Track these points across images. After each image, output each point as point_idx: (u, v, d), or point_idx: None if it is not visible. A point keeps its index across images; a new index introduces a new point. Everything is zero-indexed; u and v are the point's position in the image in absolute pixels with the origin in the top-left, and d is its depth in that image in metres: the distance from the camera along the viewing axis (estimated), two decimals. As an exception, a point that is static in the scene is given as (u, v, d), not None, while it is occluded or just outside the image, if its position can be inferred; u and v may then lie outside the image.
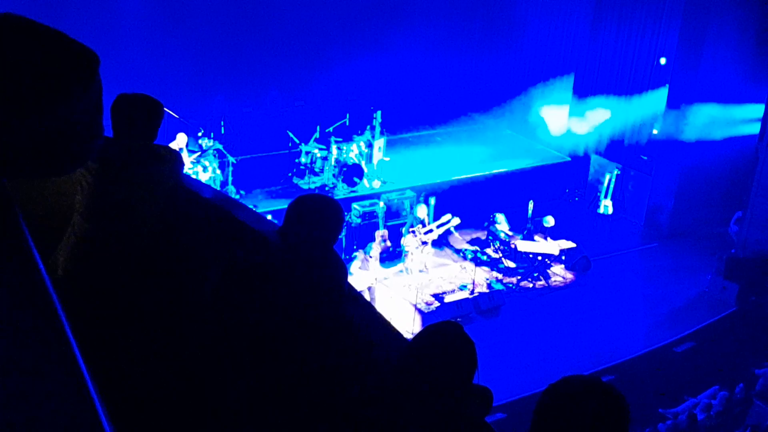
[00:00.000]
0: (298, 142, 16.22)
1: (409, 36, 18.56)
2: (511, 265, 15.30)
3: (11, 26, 1.38)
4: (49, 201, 3.90)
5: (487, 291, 14.48)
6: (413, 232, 14.72)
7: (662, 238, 17.29)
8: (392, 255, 14.88)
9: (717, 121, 16.77)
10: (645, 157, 17.50)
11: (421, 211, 15.12)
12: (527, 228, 15.66)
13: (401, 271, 14.49)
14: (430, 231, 14.83)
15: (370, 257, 13.92)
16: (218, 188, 14.37)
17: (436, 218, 15.31)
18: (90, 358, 1.27)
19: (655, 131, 17.18)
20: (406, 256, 14.67)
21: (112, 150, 3.95)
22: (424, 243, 14.76)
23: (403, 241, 14.81)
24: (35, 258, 1.33)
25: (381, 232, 14.76)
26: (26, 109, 1.31)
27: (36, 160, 1.34)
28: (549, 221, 15.43)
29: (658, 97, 17.03)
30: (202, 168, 14.67)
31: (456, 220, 15.05)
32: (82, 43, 1.41)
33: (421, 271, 14.62)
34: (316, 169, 16.07)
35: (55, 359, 1.18)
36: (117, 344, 3.44)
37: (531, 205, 15.69)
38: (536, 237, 15.40)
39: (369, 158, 16.48)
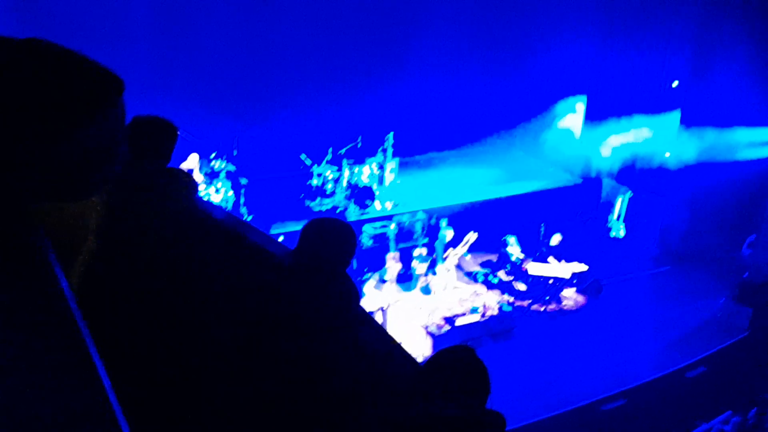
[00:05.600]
0: (310, 164, 16.26)
1: (420, 59, 18.61)
2: (523, 288, 15.25)
3: (36, 51, 1.39)
4: (67, 222, 3.91)
5: (498, 314, 14.43)
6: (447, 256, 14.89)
7: (674, 262, 17.18)
8: (404, 277, 14.90)
9: (730, 143, 16.70)
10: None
11: (449, 235, 15.15)
12: (539, 251, 15.62)
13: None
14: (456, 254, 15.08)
15: (385, 280, 13.91)
16: (230, 210, 14.40)
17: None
18: (107, 366, 1.31)
19: (667, 154, 17.12)
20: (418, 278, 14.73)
21: (127, 171, 3.98)
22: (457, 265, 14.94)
23: (414, 263, 14.84)
24: (59, 278, 1.35)
25: (392, 254, 14.76)
26: (49, 133, 1.32)
27: (58, 184, 1.35)
28: (555, 239, 15.40)
29: (671, 120, 16.99)
30: (214, 189, 14.73)
31: (473, 235, 15.19)
32: (107, 67, 1.42)
33: (429, 292, 14.65)
34: (328, 191, 16.10)
35: (75, 365, 1.21)
36: (129, 362, 3.45)
37: (543, 227, 15.65)
38: (548, 260, 15.36)
39: (381, 180, 16.50)
